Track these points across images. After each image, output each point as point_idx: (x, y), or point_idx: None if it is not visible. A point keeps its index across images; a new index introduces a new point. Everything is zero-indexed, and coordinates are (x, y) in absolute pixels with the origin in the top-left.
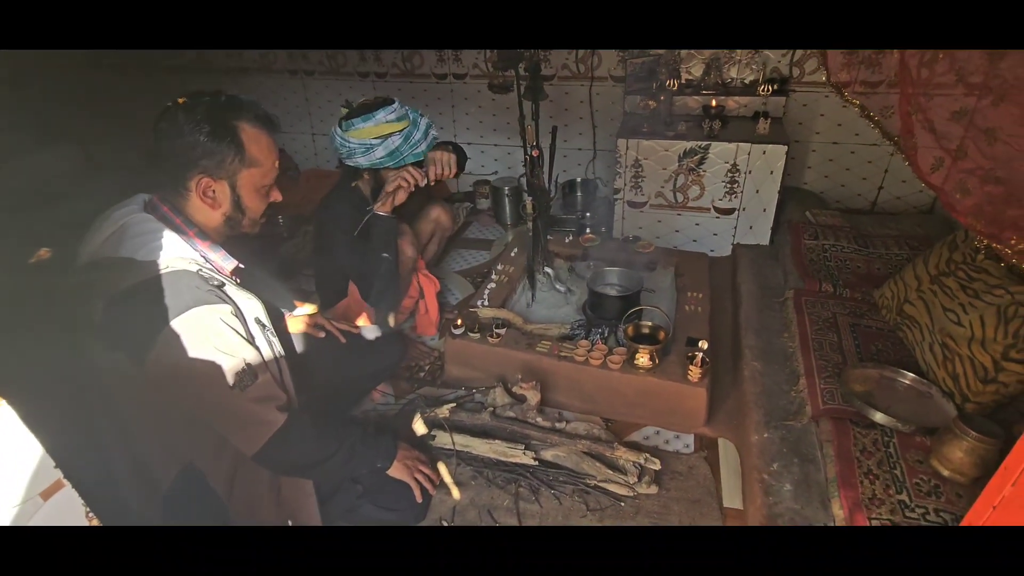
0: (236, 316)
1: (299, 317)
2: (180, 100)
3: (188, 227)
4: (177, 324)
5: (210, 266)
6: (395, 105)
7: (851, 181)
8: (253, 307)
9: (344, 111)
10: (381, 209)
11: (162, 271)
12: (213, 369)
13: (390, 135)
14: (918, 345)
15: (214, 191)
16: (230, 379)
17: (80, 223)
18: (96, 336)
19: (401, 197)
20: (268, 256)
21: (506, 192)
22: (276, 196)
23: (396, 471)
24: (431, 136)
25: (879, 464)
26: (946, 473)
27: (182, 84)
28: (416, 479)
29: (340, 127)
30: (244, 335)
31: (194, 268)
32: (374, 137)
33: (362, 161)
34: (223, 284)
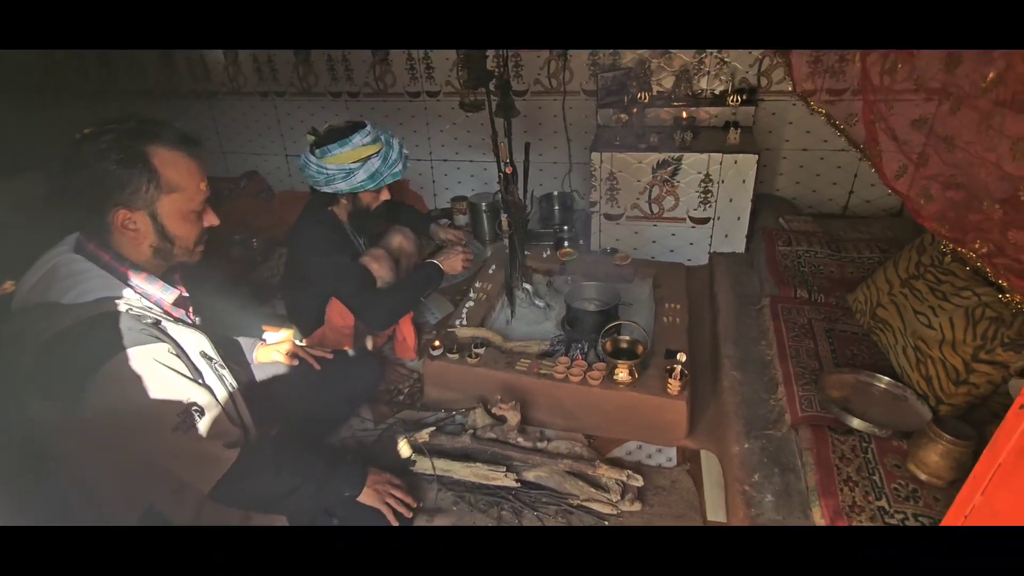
0: (174, 354)
1: (272, 346)
2: (86, 131)
3: (119, 263)
4: (108, 368)
5: (146, 302)
6: (368, 127)
7: (822, 186)
8: (196, 341)
9: (311, 138)
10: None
11: (89, 314)
12: (151, 411)
13: (368, 158)
14: (892, 348)
15: (135, 222)
16: (171, 420)
17: (42, 254)
18: (30, 386)
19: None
20: (242, 280)
21: (483, 208)
22: (211, 220)
23: (366, 498)
24: (404, 154)
25: (858, 470)
26: (923, 477)
27: (150, 109)
28: (389, 504)
29: (313, 154)
30: (186, 372)
31: (124, 308)
32: (353, 161)
33: (343, 187)
34: (158, 321)
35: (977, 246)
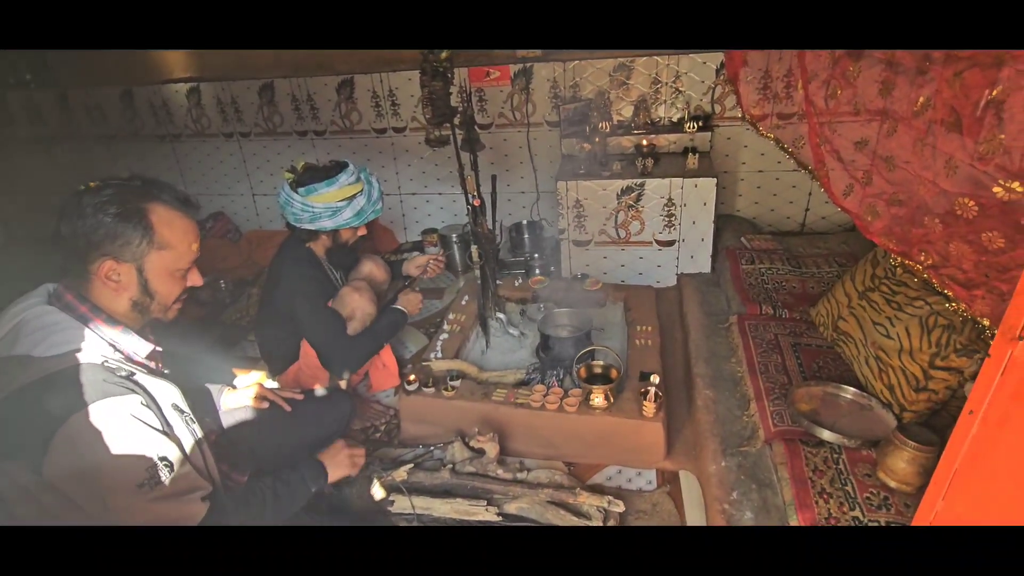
0: (147, 406)
1: (242, 390)
2: (91, 184)
3: (95, 314)
4: (79, 419)
5: (120, 355)
6: (352, 166)
7: (779, 205)
8: (169, 393)
9: (289, 176)
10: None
11: (62, 366)
12: (119, 466)
13: (354, 196)
14: (855, 359)
15: (119, 274)
16: (138, 476)
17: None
18: None
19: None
20: (210, 323)
21: (454, 239)
22: (195, 280)
23: (338, 473)
24: (381, 192)
25: (831, 482)
26: (893, 484)
27: (111, 154)
28: (356, 463)
29: (297, 193)
30: (157, 426)
31: (99, 360)
32: (339, 200)
33: (328, 224)
34: (132, 374)
35: (923, 258)
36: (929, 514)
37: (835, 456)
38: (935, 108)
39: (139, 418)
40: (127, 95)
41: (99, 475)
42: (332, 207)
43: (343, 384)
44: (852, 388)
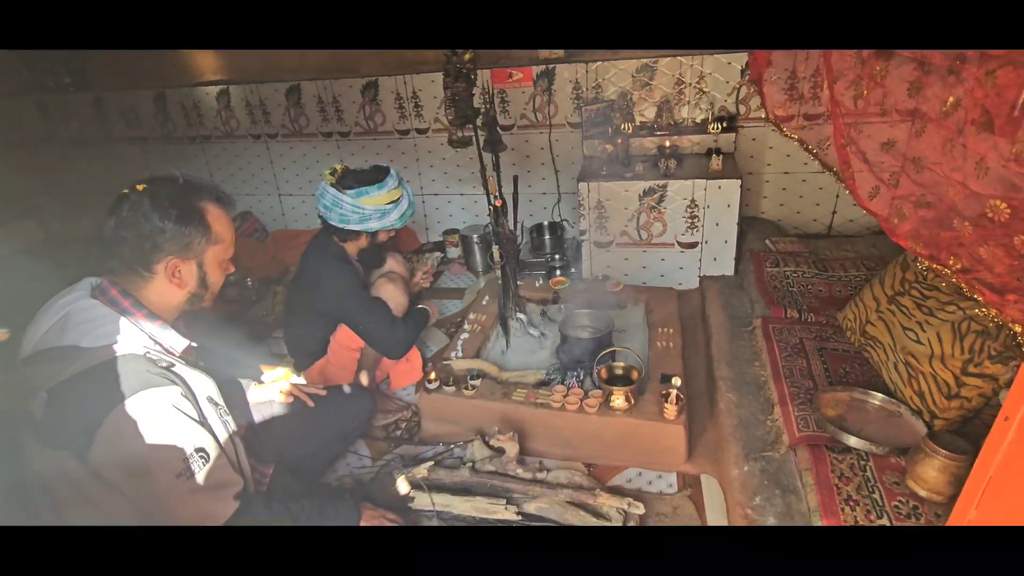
0: (186, 397)
1: (268, 385)
2: (139, 187)
3: (137, 309)
4: (123, 409)
5: (159, 348)
6: (393, 171)
7: (805, 207)
8: (205, 385)
9: (331, 179)
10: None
11: (108, 357)
12: (160, 455)
13: (399, 199)
14: (883, 365)
15: (181, 271)
16: (176, 466)
17: (37, 301)
18: (37, 434)
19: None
20: (237, 320)
21: (475, 240)
22: (230, 268)
23: (371, 523)
24: (412, 195)
25: (858, 489)
26: (923, 493)
27: (143, 155)
28: (390, 522)
29: (347, 194)
30: (195, 417)
31: (141, 351)
32: (387, 203)
33: (375, 225)
34: (172, 365)
35: (952, 262)
36: (962, 522)
37: (862, 463)
38: (966, 108)
39: (179, 408)
40: (160, 98)
41: (142, 464)
42: (381, 209)
43: (364, 381)
44: (880, 394)
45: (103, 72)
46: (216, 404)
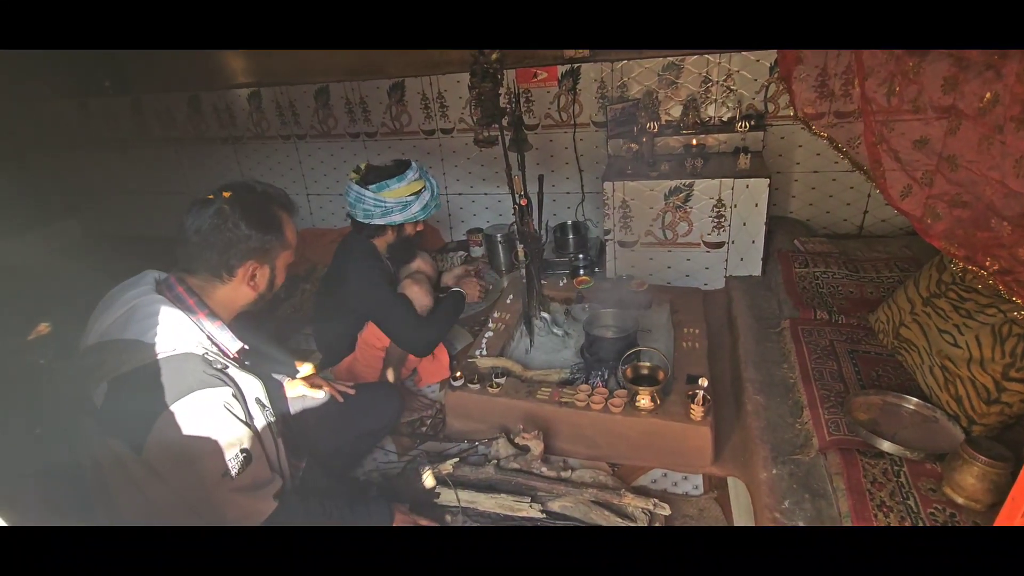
0: (236, 398)
1: (298, 380)
2: (225, 194)
3: (200, 308)
4: (178, 407)
5: (216, 349)
6: (415, 164)
7: (835, 207)
8: (254, 387)
9: (355, 176)
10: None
11: (168, 354)
12: (208, 452)
13: (420, 191)
14: (918, 368)
15: (257, 275)
16: (222, 465)
17: (77, 298)
18: (97, 420)
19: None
20: (266, 317)
21: (499, 239)
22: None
23: (402, 524)
24: (437, 188)
25: (891, 495)
26: (960, 501)
27: (178, 156)
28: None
29: (368, 189)
30: (243, 418)
31: (200, 351)
32: (409, 195)
33: (398, 218)
34: (226, 367)
35: (989, 263)
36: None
37: (896, 468)
38: (1005, 104)
39: (230, 410)
40: (195, 100)
41: (190, 460)
42: (402, 201)
43: (391, 378)
44: (915, 398)
45: (140, 75)
46: (263, 406)
